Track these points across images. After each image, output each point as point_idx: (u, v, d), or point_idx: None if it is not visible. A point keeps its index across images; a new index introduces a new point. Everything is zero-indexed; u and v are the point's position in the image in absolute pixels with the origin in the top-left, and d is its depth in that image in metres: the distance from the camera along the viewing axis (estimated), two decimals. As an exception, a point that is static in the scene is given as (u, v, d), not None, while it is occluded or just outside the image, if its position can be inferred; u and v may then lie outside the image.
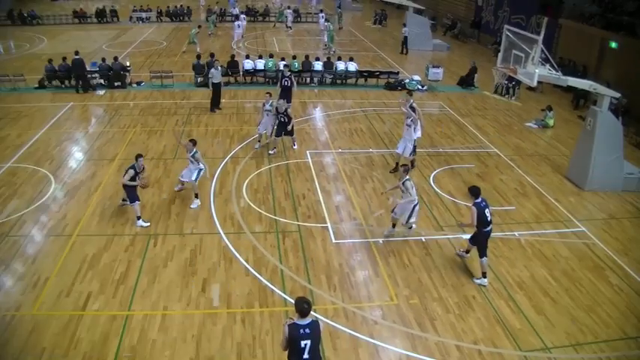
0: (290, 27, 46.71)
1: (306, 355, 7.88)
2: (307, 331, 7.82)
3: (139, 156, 14.79)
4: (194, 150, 15.42)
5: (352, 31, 47.69)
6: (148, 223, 14.75)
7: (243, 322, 11.07)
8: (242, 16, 44.01)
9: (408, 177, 13.74)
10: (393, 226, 14.35)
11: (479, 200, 12.25)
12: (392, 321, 11.29)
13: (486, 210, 12.29)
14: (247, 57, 29.47)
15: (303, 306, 7.81)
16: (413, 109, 17.96)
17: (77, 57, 26.20)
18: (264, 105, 19.32)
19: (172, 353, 10.17)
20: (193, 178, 15.56)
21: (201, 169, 15.70)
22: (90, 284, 12.12)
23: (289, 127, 19.07)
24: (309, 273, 12.68)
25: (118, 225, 14.60)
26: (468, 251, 13.53)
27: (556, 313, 11.82)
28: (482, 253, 12.55)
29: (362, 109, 25.07)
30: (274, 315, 11.30)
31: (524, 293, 12.42)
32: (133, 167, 14.50)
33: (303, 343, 7.81)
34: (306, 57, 29.29)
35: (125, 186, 14.48)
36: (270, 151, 19.40)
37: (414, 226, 14.45)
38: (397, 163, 18.05)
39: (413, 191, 13.62)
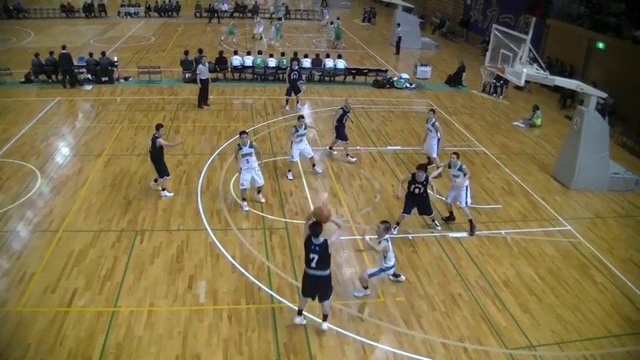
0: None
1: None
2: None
3: (159, 126, 15.62)
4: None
5: (341, 29, 47.57)
6: (172, 194, 15.97)
7: (230, 318, 11.05)
8: None
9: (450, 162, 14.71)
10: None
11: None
12: (378, 318, 11.32)
13: None
14: (235, 53, 29.42)
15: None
16: (435, 127, 18.11)
17: (64, 51, 26.04)
18: (296, 130, 17.38)
19: (158, 350, 10.14)
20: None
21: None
22: (76, 280, 12.07)
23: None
24: (295, 270, 12.66)
25: (105, 221, 14.54)
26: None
27: (541, 311, 11.89)
28: None
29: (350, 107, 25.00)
30: (261, 312, 11.29)
31: (510, 291, 12.48)
32: (156, 137, 15.28)
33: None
34: (295, 54, 29.25)
35: (155, 160, 15.48)
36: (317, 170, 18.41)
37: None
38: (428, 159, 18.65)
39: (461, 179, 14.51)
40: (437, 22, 48.01)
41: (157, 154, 15.58)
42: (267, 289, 12.01)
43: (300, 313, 10.87)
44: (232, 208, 15.45)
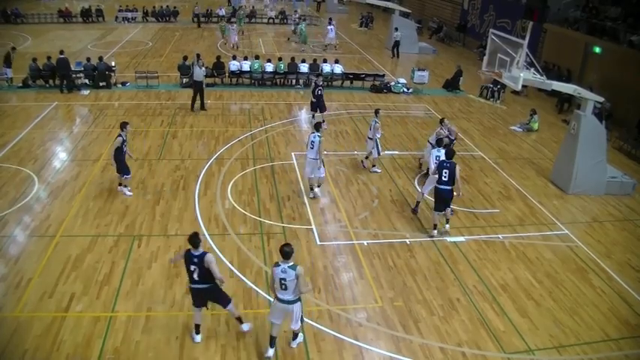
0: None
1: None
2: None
3: (124, 124, 15.82)
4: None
5: (338, 34, 47.58)
6: (131, 194, 16.13)
7: (228, 324, 11.03)
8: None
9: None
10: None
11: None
12: (376, 323, 11.32)
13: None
14: (234, 58, 29.39)
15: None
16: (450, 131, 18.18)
17: (62, 56, 26.03)
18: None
19: (156, 355, 10.12)
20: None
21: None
22: (73, 285, 12.05)
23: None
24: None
25: (102, 226, 14.52)
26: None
27: (539, 315, 11.91)
28: None
29: (347, 112, 25.10)
30: (258, 317, 11.27)
31: (508, 296, 12.50)
32: (120, 135, 15.63)
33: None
34: (292, 59, 29.31)
35: (116, 158, 15.64)
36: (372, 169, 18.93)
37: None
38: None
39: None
40: (434, 26, 48.07)
41: (117, 152, 15.75)
42: (264, 294, 12.00)
43: (239, 320, 10.75)
44: (230, 213, 15.44)
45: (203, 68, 24.02)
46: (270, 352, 10.15)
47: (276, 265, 9.59)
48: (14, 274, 12.33)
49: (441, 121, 18.38)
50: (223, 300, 10.41)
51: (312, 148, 15.69)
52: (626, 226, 16.24)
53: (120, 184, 16.47)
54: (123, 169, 16.05)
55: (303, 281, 9.64)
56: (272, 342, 10.15)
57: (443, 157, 14.72)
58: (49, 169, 17.79)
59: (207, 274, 9.82)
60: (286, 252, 9.47)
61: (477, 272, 13.24)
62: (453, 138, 17.97)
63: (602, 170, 18.07)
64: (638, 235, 15.89)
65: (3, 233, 14.03)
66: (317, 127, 16.07)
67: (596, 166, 17.86)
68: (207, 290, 10.09)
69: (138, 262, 13.00)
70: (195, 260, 9.74)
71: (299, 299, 9.81)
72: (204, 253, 9.75)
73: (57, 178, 17.19)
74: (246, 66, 28.63)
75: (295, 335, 10.51)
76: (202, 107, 24.19)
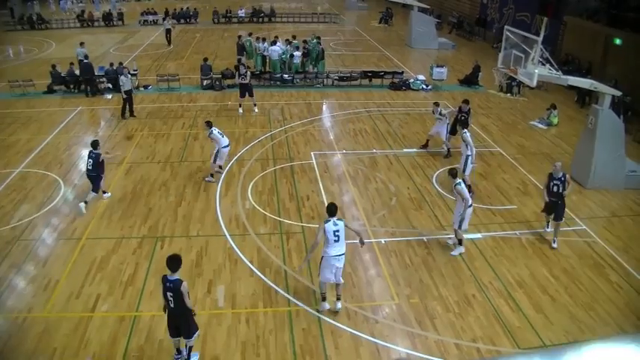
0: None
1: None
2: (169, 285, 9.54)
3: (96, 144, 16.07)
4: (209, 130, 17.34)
5: (357, 30, 47.88)
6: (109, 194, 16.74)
7: (248, 322, 11.35)
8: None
9: (458, 180, 13.77)
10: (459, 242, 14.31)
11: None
12: (393, 320, 11.54)
13: None
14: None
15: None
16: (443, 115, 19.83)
17: (86, 61, 26.56)
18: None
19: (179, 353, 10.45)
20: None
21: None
22: (99, 286, 12.44)
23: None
24: (312, 273, 12.90)
25: (126, 228, 14.91)
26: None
27: (555, 311, 12.01)
28: None
29: (366, 110, 25.27)
30: (278, 315, 11.57)
31: (524, 291, 12.61)
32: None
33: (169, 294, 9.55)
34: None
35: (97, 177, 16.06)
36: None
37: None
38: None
39: (465, 194, 13.63)
40: (454, 21, 47.94)
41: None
42: (284, 293, 12.28)
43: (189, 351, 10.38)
44: (250, 213, 15.74)
45: (129, 76, 23.92)
46: (326, 305, 11.71)
47: (326, 221, 11.10)
48: (43, 276, 12.77)
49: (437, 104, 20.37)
50: (191, 331, 10.00)
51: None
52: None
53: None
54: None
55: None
56: (324, 297, 11.70)
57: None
58: (75, 173, 18.24)
59: (182, 303, 9.60)
60: (333, 209, 11.28)
61: (493, 269, 13.38)
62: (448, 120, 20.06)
63: (621, 164, 18.02)
64: (657, 229, 15.85)
65: (31, 237, 14.49)
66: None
67: (614, 160, 17.81)
68: (180, 319, 9.86)
69: (161, 262, 13.20)
70: (170, 286, 9.51)
71: (344, 253, 11.25)
72: (179, 282, 9.50)
73: (82, 181, 17.57)
74: (275, 54, 29.71)
75: (339, 297, 11.70)
76: (132, 114, 23.94)
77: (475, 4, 46.90)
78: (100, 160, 15.84)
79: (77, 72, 27.14)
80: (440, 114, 20.03)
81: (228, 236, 14.50)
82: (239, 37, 32.31)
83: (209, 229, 14.81)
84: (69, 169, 18.49)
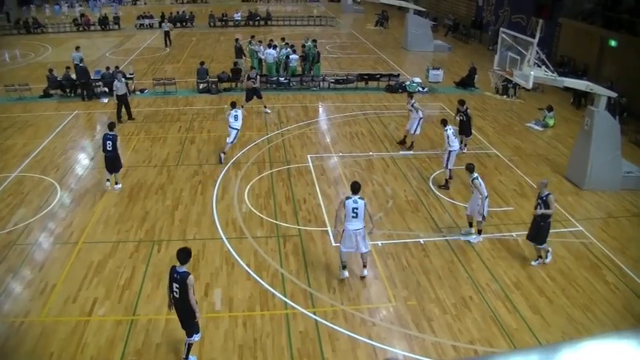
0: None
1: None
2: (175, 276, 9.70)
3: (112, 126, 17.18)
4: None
5: (353, 33, 47.98)
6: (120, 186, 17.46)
7: (245, 325, 11.34)
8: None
9: (475, 175, 14.28)
10: (470, 225, 14.94)
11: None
12: (390, 322, 11.54)
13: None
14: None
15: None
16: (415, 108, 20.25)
17: (82, 65, 26.59)
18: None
19: (176, 356, 10.44)
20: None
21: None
22: (96, 290, 12.43)
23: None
24: (309, 276, 12.95)
25: (123, 231, 14.91)
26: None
27: (552, 312, 12.01)
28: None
29: (363, 113, 25.29)
30: (275, 318, 11.57)
31: (521, 293, 12.62)
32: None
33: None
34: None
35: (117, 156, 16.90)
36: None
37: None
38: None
39: (482, 188, 14.11)
40: (449, 23, 48.04)
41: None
42: (281, 296, 12.28)
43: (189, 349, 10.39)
44: (247, 216, 15.74)
45: (123, 80, 23.91)
46: (346, 273, 12.75)
47: (347, 198, 12.22)
48: (39, 280, 12.76)
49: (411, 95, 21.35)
50: (192, 329, 10.12)
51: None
52: (640, 222, 16.25)
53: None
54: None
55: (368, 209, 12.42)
56: (344, 266, 12.72)
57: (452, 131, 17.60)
58: (71, 177, 18.24)
59: (185, 294, 9.72)
60: (356, 187, 12.32)
61: (490, 270, 13.39)
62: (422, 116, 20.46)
63: (617, 165, 18.06)
64: (653, 230, 15.89)
65: (28, 241, 14.47)
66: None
67: (610, 161, 17.83)
68: (183, 312, 9.98)
69: (158, 266, 13.33)
70: (176, 277, 9.66)
71: (364, 227, 12.25)
72: (186, 274, 9.66)
73: (78, 185, 17.62)
74: (270, 57, 29.78)
75: (365, 264, 12.80)
76: (130, 117, 23.97)
77: (471, 7, 47.00)
78: (117, 141, 16.70)
79: (73, 76, 27.13)
80: (412, 106, 20.44)
81: (225, 239, 14.50)
82: (236, 39, 32.32)
83: (206, 233, 14.81)
84: (65, 173, 18.47)
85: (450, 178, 17.97)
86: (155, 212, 15.97)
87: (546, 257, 13.76)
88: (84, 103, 26.37)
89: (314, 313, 11.71)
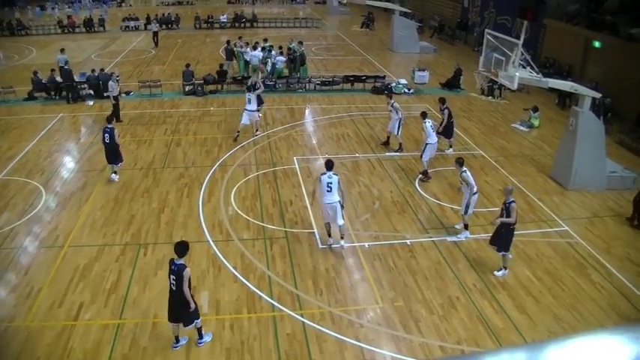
0: None
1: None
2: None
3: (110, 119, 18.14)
4: None
5: (339, 35, 48.03)
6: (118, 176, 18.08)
7: (232, 327, 11.32)
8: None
9: (464, 169, 14.66)
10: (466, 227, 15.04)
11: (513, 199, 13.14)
12: (377, 323, 11.55)
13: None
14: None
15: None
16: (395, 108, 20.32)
17: (66, 67, 26.46)
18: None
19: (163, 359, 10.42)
20: None
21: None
22: (82, 294, 12.36)
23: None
24: (296, 278, 12.94)
25: (109, 235, 14.83)
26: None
27: (539, 311, 12.09)
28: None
29: (349, 114, 25.33)
30: (262, 321, 11.55)
31: (508, 293, 12.69)
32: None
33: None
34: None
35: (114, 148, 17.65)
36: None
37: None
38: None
39: (471, 180, 14.43)
40: (435, 25, 48.19)
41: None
42: (267, 298, 12.27)
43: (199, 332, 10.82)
44: (233, 219, 15.72)
45: (117, 81, 24.09)
46: (331, 240, 14.13)
47: (322, 174, 13.62)
48: (24, 285, 12.66)
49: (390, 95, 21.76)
50: (188, 319, 10.40)
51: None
52: (626, 221, 16.33)
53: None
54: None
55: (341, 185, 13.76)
56: (329, 234, 14.16)
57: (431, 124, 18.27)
58: (56, 181, 18.13)
59: (181, 287, 9.97)
60: (330, 164, 13.84)
61: (476, 271, 13.44)
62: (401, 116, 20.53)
63: (602, 165, 18.20)
64: (638, 229, 15.97)
65: (13, 245, 14.37)
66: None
67: (595, 161, 17.98)
68: (179, 304, 10.22)
69: (144, 269, 13.29)
70: (174, 269, 9.97)
71: (339, 201, 13.55)
72: (183, 266, 9.95)
73: (64, 189, 17.52)
74: (255, 59, 29.49)
75: (342, 236, 13.88)
76: (117, 119, 23.27)
77: (456, 8, 47.16)
78: (116, 133, 17.65)
79: (58, 78, 26.99)
80: (392, 106, 20.58)
81: (211, 242, 14.46)
82: (227, 42, 32.36)
83: (192, 235, 14.73)
84: (50, 177, 18.35)
85: (426, 170, 18.50)
86: (141, 215, 15.91)
87: (500, 270, 13.41)
88: (69, 105, 26.21)
89: (301, 315, 11.70)
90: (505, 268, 13.38)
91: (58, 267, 13.36)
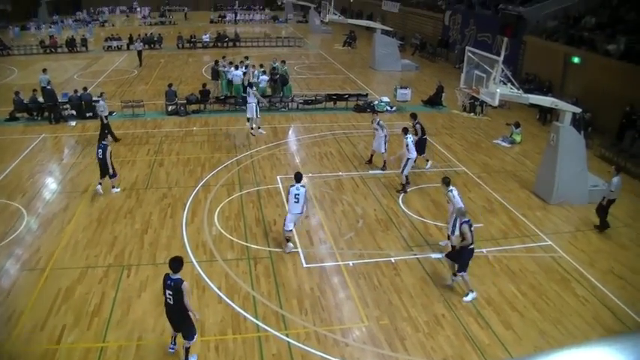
0: None
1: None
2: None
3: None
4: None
5: (322, 54, 48.25)
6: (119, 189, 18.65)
7: (217, 349, 11.23)
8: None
9: (450, 188, 14.76)
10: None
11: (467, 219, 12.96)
12: (363, 342, 11.51)
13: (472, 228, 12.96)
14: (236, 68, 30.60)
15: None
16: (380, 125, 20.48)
17: (49, 87, 26.34)
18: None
19: (147, 383, 10.31)
20: None
21: None
22: (64, 317, 12.20)
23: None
24: (280, 298, 12.88)
25: (92, 257, 14.68)
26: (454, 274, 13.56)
27: (524, 326, 12.13)
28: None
29: (332, 133, 25.38)
30: (247, 341, 11.47)
31: (493, 309, 12.72)
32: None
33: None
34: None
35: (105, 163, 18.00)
36: None
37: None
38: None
39: (455, 201, 14.39)
40: (416, 43, 48.57)
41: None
42: (252, 319, 12.19)
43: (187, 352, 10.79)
44: (217, 239, 15.64)
45: (104, 100, 24.00)
46: (291, 245, 14.92)
47: (292, 186, 14.40)
48: (6, 308, 12.47)
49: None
50: (189, 332, 10.56)
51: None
52: (609, 234, 16.46)
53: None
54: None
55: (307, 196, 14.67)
56: (288, 240, 14.88)
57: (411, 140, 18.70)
58: (38, 202, 17.95)
59: (181, 302, 10.12)
60: (299, 176, 14.52)
61: (461, 287, 13.42)
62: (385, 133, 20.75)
63: (583, 179, 18.34)
64: (621, 242, 16.14)
65: (-7, 268, 14.19)
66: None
67: (576, 175, 18.13)
68: (178, 317, 10.41)
69: (127, 291, 13.16)
70: (170, 284, 10.10)
71: (302, 212, 14.54)
72: (180, 281, 10.11)
73: (46, 210, 17.35)
74: (237, 78, 29.76)
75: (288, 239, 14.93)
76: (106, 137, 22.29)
77: (437, 26, 47.66)
78: (109, 149, 18.08)
79: (40, 99, 26.84)
80: (378, 124, 20.69)
81: (195, 263, 14.36)
82: (216, 62, 32.44)
83: (176, 256, 14.65)
84: (32, 198, 18.17)
85: (407, 183, 18.94)
86: (124, 236, 15.78)
87: (467, 295, 13.13)
88: (51, 126, 26.04)
89: (286, 335, 11.64)
90: (472, 291, 13.13)
91: (40, 290, 13.19)
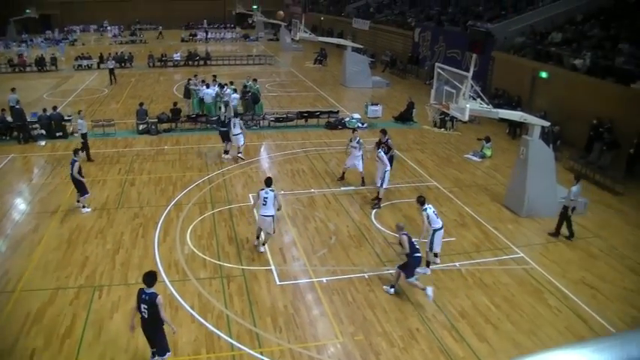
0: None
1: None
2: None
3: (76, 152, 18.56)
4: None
5: (293, 71, 48.37)
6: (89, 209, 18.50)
7: (192, 368, 11.13)
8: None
9: (425, 207, 14.84)
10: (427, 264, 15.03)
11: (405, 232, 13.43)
12: (338, 358, 11.49)
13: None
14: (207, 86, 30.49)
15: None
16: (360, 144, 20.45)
17: (17, 106, 26.03)
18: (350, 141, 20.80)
19: (119, 405, 10.15)
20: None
21: None
22: (35, 340, 11.99)
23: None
24: (254, 316, 12.81)
25: (62, 278, 14.47)
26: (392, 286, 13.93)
27: (498, 338, 12.21)
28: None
29: (303, 150, 25.41)
30: (221, 360, 11.39)
31: (467, 322, 12.78)
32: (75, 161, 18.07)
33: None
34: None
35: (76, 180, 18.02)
36: None
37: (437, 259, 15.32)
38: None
39: (428, 220, 14.66)
40: (387, 60, 48.95)
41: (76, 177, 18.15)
42: (226, 338, 12.09)
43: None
44: (190, 258, 15.52)
45: (84, 119, 24.18)
46: (257, 241, 15.85)
47: (261, 190, 15.20)
48: (-27, 333, 12.25)
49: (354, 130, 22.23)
50: (161, 348, 10.64)
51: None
52: (579, 245, 16.70)
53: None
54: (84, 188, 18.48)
55: (277, 199, 15.32)
56: (258, 236, 15.82)
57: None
58: (7, 223, 17.68)
59: (156, 315, 10.17)
60: (269, 181, 15.46)
61: (435, 301, 13.47)
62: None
63: (553, 191, 18.56)
64: (591, 252, 16.37)
65: (-39, 292, 13.92)
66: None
67: (546, 188, 18.37)
68: (152, 330, 10.47)
69: (99, 312, 12.99)
70: (145, 298, 10.13)
71: (273, 215, 15.13)
72: (154, 295, 10.16)
73: (15, 231, 17.10)
74: (207, 97, 29.74)
75: (264, 242, 15.82)
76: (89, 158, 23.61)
77: (407, 43, 48.08)
78: (76, 165, 18.07)
79: (9, 118, 26.52)
80: (357, 142, 20.51)
81: (167, 282, 14.21)
82: (189, 80, 32.39)
83: (148, 276, 14.51)
84: (1, 219, 17.89)
85: (380, 198, 19.17)
86: (95, 257, 15.58)
87: (425, 289, 13.35)
88: (20, 146, 25.69)
89: (261, 354, 11.56)
90: (425, 288, 13.31)
91: (9, 312, 12.96)
